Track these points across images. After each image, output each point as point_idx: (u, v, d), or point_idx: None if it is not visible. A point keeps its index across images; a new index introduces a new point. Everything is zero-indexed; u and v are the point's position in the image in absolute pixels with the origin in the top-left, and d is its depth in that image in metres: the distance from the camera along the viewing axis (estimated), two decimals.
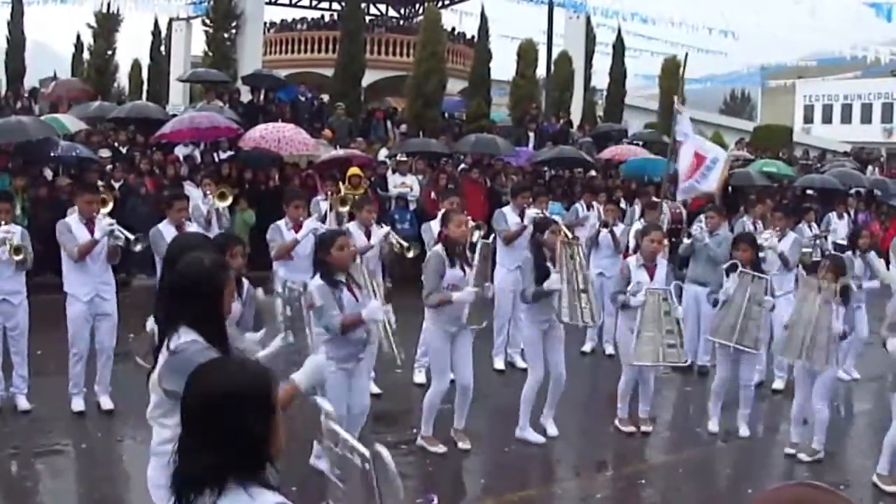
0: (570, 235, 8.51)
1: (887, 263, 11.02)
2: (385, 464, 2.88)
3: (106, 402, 7.86)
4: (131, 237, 7.63)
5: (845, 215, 15.18)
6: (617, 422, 8.18)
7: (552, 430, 7.86)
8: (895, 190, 20.59)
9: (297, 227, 8.46)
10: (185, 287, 3.87)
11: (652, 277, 7.99)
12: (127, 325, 8.14)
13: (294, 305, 5.62)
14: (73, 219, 7.70)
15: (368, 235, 8.79)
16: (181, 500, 2.45)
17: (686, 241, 10.15)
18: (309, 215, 9.30)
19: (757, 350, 8.16)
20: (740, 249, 8.18)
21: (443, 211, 8.41)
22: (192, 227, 8.24)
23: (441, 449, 7.32)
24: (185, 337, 3.78)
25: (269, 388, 2.56)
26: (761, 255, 9.24)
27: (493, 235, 9.41)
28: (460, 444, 7.44)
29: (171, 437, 3.85)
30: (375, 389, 8.65)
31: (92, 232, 7.53)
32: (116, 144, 15.88)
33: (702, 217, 10.65)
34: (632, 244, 10.44)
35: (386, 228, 8.99)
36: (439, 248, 7.27)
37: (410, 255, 9.00)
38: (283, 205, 8.87)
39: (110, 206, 8.20)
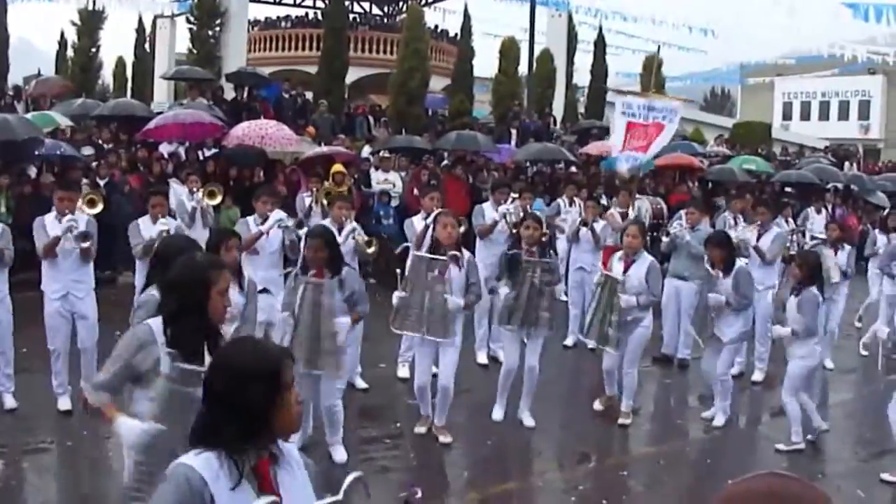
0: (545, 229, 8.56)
1: (861, 256, 11.23)
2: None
3: None
4: (78, 233, 7.54)
5: (823, 210, 15.35)
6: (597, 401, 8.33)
7: (529, 422, 7.99)
8: (872, 185, 20.82)
9: (265, 222, 8.51)
10: (168, 283, 4.02)
11: (626, 270, 8.09)
12: (112, 323, 8.16)
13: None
14: (49, 217, 7.68)
15: (341, 232, 8.85)
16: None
17: (665, 239, 10.24)
18: (292, 212, 9.34)
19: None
20: (709, 250, 8.28)
21: (436, 212, 8.50)
22: (169, 223, 8.29)
23: (448, 438, 7.44)
24: (153, 322, 4.02)
25: (277, 367, 2.66)
26: (742, 250, 9.40)
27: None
28: (441, 438, 7.52)
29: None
30: (362, 384, 8.73)
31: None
32: (100, 142, 15.86)
33: (681, 213, 10.75)
34: (603, 236, 10.56)
35: (351, 225, 8.97)
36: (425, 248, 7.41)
37: (370, 250, 8.98)
38: (252, 200, 8.87)
39: (100, 207, 8.17)
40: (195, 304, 3.90)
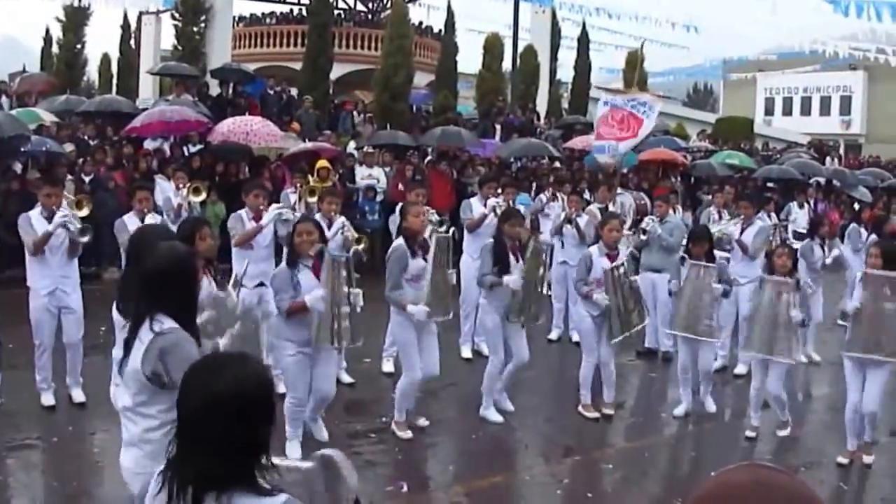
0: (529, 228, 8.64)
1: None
2: (336, 465, 2.73)
3: (78, 395, 7.86)
4: (78, 227, 7.58)
5: (805, 205, 15.43)
6: (580, 408, 8.33)
7: (507, 406, 8.15)
8: (853, 180, 20.97)
9: (258, 216, 8.49)
10: (164, 275, 3.88)
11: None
12: (97, 318, 8.16)
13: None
14: (34, 213, 7.68)
15: (331, 226, 8.88)
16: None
17: (643, 237, 10.27)
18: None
19: (712, 338, 8.32)
20: (694, 245, 8.33)
21: (400, 204, 8.56)
22: (155, 219, 8.26)
23: (408, 434, 7.45)
24: (167, 323, 3.83)
25: (274, 390, 2.53)
26: (724, 244, 9.49)
27: (451, 229, 9.47)
28: (419, 422, 7.64)
29: (157, 425, 3.87)
30: (348, 379, 8.75)
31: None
32: (86, 137, 15.83)
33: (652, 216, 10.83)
34: (587, 232, 10.60)
35: (340, 219, 8.99)
36: (401, 240, 7.42)
37: (360, 247, 8.99)
38: (242, 195, 8.88)
39: (86, 210, 8.14)
40: (189, 295, 3.89)
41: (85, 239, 7.61)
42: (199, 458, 2.36)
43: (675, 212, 11.58)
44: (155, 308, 3.85)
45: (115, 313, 5.02)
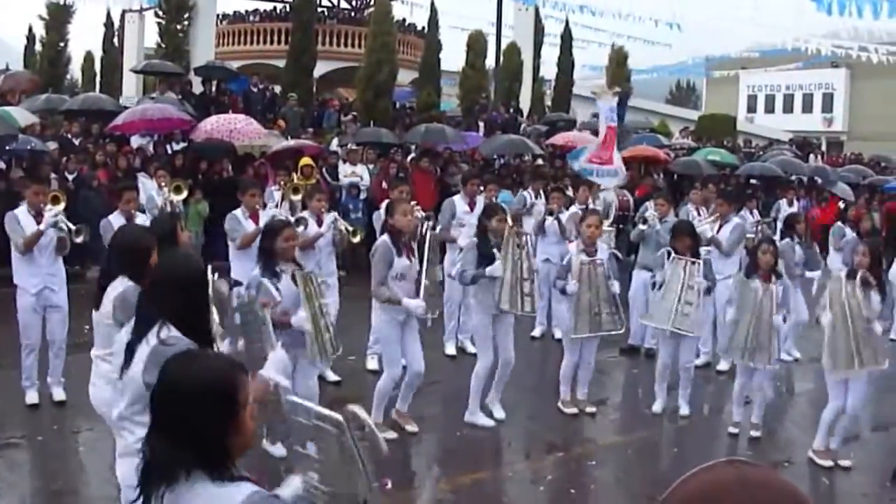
0: (512, 224, 8.66)
1: (822, 248, 11.37)
2: (362, 421, 2.91)
3: (58, 394, 7.83)
4: (73, 228, 7.60)
5: (795, 202, 15.48)
6: (560, 403, 8.39)
7: (499, 414, 8.03)
8: (834, 177, 21.11)
9: (254, 215, 8.46)
10: (174, 283, 3.87)
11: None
12: (81, 317, 8.13)
13: (244, 312, 5.78)
14: (21, 211, 7.66)
15: (320, 224, 8.88)
16: (144, 491, 2.49)
17: (642, 226, 10.27)
18: (264, 205, 9.34)
19: (693, 333, 8.32)
20: (677, 239, 8.38)
21: (387, 201, 8.55)
22: (142, 218, 8.25)
23: (391, 435, 7.40)
24: (173, 332, 3.78)
25: (233, 384, 2.53)
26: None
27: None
28: (407, 427, 7.58)
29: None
30: (333, 377, 8.77)
31: (39, 224, 7.53)
32: (69, 136, 15.78)
33: (648, 204, 10.84)
34: (569, 228, 10.64)
35: (332, 214, 8.96)
36: (386, 237, 7.31)
37: (356, 239, 9.03)
38: (238, 194, 8.84)
39: (62, 205, 8.12)
40: (202, 303, 3.90)
41: (80, 239, 7.59)
42: (163, 448, 2.45)
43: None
44: (163, 315, 3.82)
45: (96, 314, 5.01)
